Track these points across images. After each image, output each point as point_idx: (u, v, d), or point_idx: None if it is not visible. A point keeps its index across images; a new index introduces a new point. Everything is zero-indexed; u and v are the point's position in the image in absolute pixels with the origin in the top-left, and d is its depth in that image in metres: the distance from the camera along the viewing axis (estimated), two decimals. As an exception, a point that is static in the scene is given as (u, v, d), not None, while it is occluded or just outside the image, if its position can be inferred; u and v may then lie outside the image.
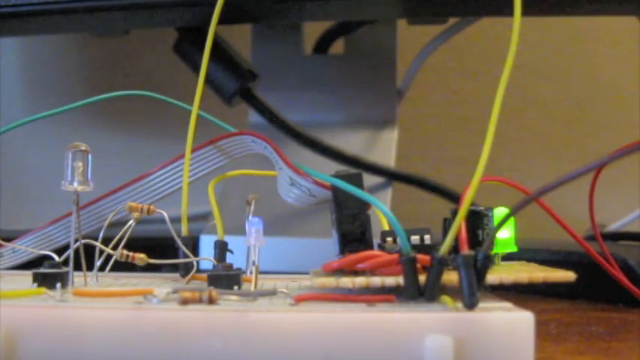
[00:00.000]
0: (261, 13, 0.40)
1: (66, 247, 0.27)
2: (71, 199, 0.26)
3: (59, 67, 0.61)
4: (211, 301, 0.20)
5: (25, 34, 0.54)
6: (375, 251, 0.23)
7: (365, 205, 0.24)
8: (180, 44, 0.42)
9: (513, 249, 0.25)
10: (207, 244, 0.40)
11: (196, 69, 0.42)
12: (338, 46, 0.49)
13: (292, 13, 0.39)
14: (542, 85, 0.59)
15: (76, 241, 0.26)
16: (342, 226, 0.23)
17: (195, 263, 0.26)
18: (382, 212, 0.21)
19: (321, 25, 0.49)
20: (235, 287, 0.24)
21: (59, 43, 0.61)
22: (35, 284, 0.23)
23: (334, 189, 0.24)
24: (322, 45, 0.49)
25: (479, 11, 0.38)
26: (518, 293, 0.34)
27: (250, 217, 0.26)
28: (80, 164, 0.25)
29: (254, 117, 0.45)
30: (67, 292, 0.23)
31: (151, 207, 0.27)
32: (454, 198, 0.45)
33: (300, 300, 0.21)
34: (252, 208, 0.27)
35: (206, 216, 0.46)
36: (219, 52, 0.41)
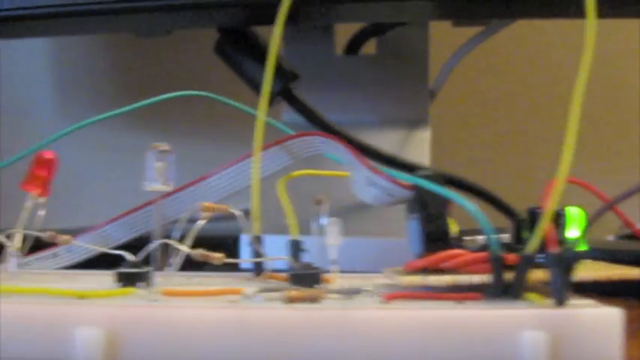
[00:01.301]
0: (296, 15, 0.40)
1: (121, 247, 0.28)
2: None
3: (90, 68, 0.61)
4: (315, 299, 0.20)
5: (66, 34, 0.54)
6: (459, 250, 0.23)
7: (446, 205, 0.24)
8: (221, 45, 0.42)
9: (584, 248, 0.26)
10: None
11: (237, 69, 0.42)
12: (369, 46, 0.49)
13: (326, 15, 0.40)
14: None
15: (148, 240, 0.26)
16: (427, 225, 0.24)
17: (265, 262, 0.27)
18: (471, 212, 0.22)
19: (353, 25, 0.49)
20: (315, 286, 0.24)
21: (89, 44, 0.61)
22: (120, 284, 0.24)
23: (417, 189, 0.24)
24: (354, 45, 0.49)
25: (524, 14, 0.38)
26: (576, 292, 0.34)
27: (323, 217, 0.27)
28: (160, 164, 0.25)
29: (289, 115, 0.45)
30: (156, 291, 0.23)
31: (224, 206, 0.27)
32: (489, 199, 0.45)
33: (391, 298, 0.21)
34: (324, 207, 0.27)
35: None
36: (262, 53, 0.42)
